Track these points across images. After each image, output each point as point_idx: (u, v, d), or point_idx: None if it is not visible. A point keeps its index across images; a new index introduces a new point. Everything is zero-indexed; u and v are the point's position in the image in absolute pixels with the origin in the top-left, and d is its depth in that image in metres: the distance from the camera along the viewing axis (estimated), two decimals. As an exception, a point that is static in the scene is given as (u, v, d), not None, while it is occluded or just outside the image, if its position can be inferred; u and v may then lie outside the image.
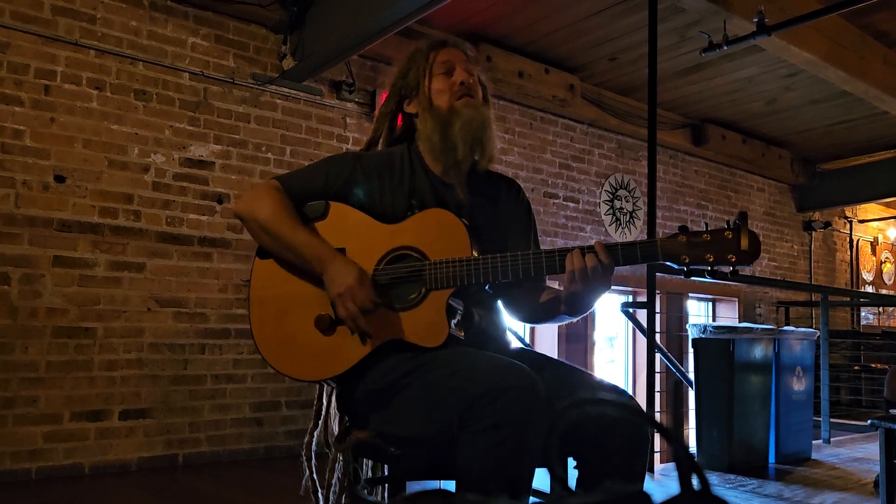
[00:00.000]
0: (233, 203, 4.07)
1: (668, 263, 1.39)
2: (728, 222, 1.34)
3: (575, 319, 1.56)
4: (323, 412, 1.67)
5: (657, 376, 3.89)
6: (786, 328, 4.27)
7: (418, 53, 1.67)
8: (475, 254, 1.46)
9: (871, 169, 7.63)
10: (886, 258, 9.70)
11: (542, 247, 1.59)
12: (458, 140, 1.57)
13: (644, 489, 0.52)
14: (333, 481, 1.56)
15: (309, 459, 1.61)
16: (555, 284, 1.67)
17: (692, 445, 4.06)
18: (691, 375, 4.13)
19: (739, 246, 1.32)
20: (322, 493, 1.58)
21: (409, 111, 1.68)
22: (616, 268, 1.40)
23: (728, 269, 1.35)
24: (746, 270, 7.25)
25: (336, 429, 1.64)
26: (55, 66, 3.62)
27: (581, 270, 1.38)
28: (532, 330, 5.75)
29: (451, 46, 1.66)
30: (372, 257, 1.52)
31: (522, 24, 4.74)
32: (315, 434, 1.64)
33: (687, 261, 1.36)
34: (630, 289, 6.33)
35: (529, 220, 1.73)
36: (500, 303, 1.66)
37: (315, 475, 1.60)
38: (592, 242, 1.40)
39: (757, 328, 4.00)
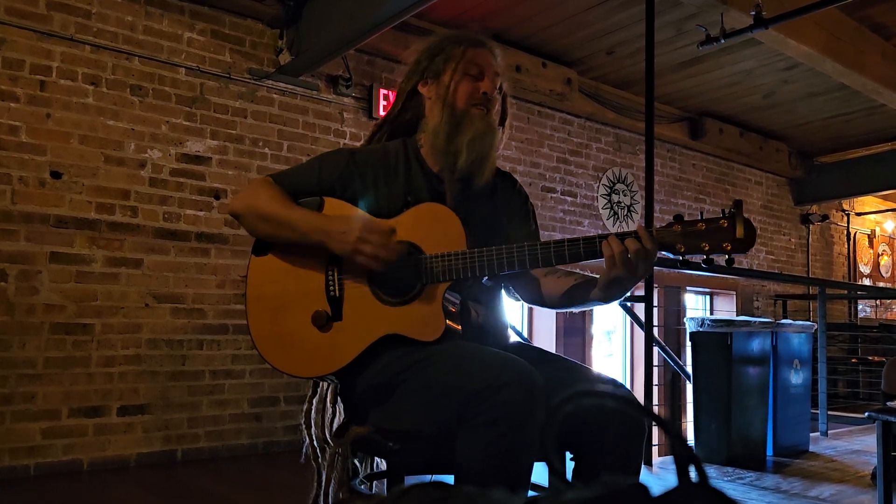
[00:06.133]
0: (228, 200, 4.06)
1: (663, 253, 1.38)
2: (723, 211, 1.34)
3: (606, 305, 1.53)
4: (318, 395, 1.66)
5: (655, 370, 3.90)
6: (783, 321, 4.28)
7: (453, 43, 1.63)
8: (471, 247, 1.46)
9: (868, 162, 7.64)
10: (883, 251, 9.71)
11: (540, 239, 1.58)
12: (462, 150, 1.56)
13: (642, 481, 0.52)
14: (332, 476, 1.56)
15: (308, 427, 1.61)
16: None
17: (690, 439, 4.07)
18: (689, 369, 4.13)
19: (735, 234, 1.31)
20: (322, 489, 1.58)
21: (422, 92, 1.66)
22: None
23: (723, 257, 1.34)
24: (744, 263, 7.26)
25: (335, 424, 1.64)
26: (50, 61, 3.60)
27: (621, 254, 1.35)
28: (530, 324, 5.76)
29: (487, 50, 1.64)
30: (368, 252, 1.51)
31: (520, 17, 4.72)
32: (314, 402, 1.64)
33: (682, 250, 1.35)
34: (628, 283, 6.33)
35: (528, 210, 1.73)
36: (502, 294, 1.66)
37: (315, 442, 1.60)
38: (635, 228, 1.38)
39: (755, 321, 4.01)
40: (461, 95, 1.58)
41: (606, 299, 1.48)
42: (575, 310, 1.60)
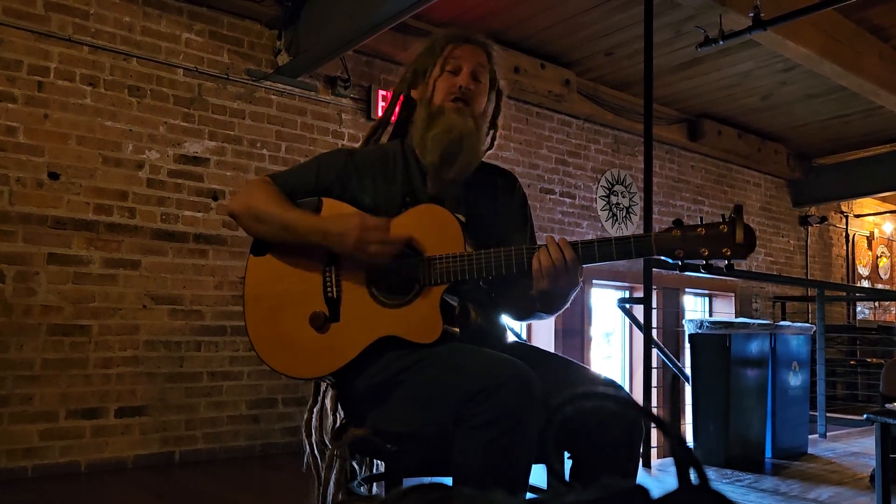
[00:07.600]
0: (227, 201, 4.06)
1: (662, 258, 1.38)
2: (723, 216, 1.33)
3: (550, 317, 1.59)
4: (318, 404, 1.66)
5: (654, 372, 3.89)
6: (782, 323, 4.27)
7: (437, 41, 1.64)
8: (469, 249, 1.45)
9: (866, 163, 7.64)
10: (882, 253, 9.72)
11: (536, 242, 1.58)
12: (428, 144, 1.55)
13: (642, 483, 0.51)
14: (331, 478, 1.56)
15: (309, 436, 1.61)
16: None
17: (689, 441, 4.07)
18: (688, 371, 4.13)
19: (734, 239, 1.31)
20: (320, 491, 1.58)
21: (413, 96, 1.66)
22: (612, 262, 1.40)
23: (723, 262, 1.34)
24: (742, 265, 7.26)
25: (332, 425, 1.63)
26: (48, 62, 3.60)
27: (547, 267, 1.38)
28: (528, 325, 5.75)
29: (472, 44, 1.63)
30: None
31: (519, 18, 4.72)
32: (315, 411, 1.63)
33: (682, 255, 1.35)
34: (627, 284, 6.33)
35: (525, 214, 1.72)
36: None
37: (316, 452, 1.60)
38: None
39: (753, 323, 4.01)
40: (439, 92, 1.59)
41: (546, 310, 1.55)
42: (527, 321, 1.66)
